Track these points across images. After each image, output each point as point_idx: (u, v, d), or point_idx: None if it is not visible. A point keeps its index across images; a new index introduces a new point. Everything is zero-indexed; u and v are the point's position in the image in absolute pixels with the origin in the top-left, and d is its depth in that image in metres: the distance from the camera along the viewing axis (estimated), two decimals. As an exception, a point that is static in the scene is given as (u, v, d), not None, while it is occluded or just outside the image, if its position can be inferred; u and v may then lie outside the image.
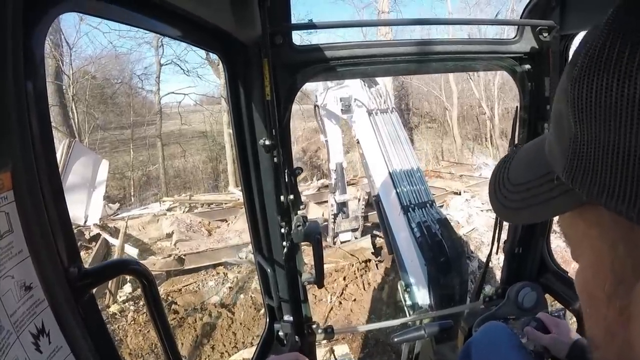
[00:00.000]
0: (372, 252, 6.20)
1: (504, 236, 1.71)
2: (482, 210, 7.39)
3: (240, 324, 5.36)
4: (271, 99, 1.15)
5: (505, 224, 1.67)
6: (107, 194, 9.83)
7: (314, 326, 1.55)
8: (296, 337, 1.46)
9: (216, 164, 18.15)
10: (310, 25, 1.20)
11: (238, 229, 7.62)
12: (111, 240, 7.05)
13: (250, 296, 5.80)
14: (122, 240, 6.79)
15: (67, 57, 13.97)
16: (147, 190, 16.04)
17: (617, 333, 0.35)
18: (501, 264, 1.86)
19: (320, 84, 4.66)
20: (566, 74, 0.34)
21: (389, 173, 3.49)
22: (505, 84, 16.91)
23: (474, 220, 7.16)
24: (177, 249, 6.78)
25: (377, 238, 6.53)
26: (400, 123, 4.17)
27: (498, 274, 4.49)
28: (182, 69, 16.39)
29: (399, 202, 3.25)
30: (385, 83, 5.42)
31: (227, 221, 8.50)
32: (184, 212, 8.95)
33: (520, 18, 1.43)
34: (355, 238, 6.43)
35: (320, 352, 4.19)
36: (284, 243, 1.33)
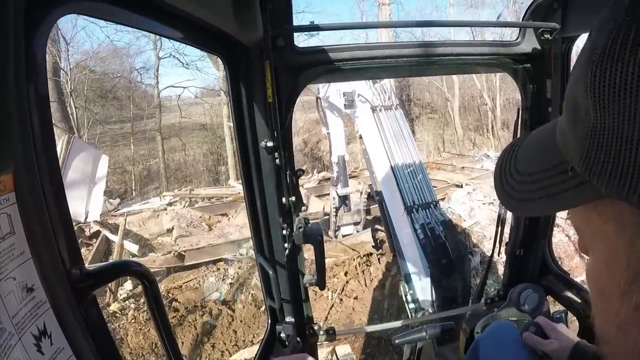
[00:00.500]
0: (372, 246, 6.21)
1: (505, 237, 1.71)
2: (484, 204, 7.39)
3: (241, 321, 5.38)
4: (273, 101, 1.15)
5: (507, 225, 1.67)
6: (108, 188, 9.83)
7: (315, 327, 1.55)
8: (298, 338, 1.47)
9: (216, 157, 18.13)
10: (312, 28, 1.19)
11: (239, 224, 7.64)
12: (111, 237, 7.05)
13: (251, 293, 5.81)
14: (121, 238, 6.78)
15: (64, 53, 13.90)
16: (148, 184, 16.06)
17: (630, 329, 0.34)
18: (503, 262, 1.86)
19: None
20: (585, 59, 0.31)
21: (393, 172, 3.47)
22: (506, 75, 16.75)
23: (476, 213, 7.16)
24: (177, 245, 6.80)
25: (378, 232, 6.53)
26: (404, 120, 4.14)
27: (501, 269, 4.50)
28: (180, 62, 16.38)
29: (402, 203, 3.25)
30: (388, 76, 5.37)
31: (227, 215, 8.52)
32: (184, 206, 8.97)
33: (522, 20, 1.43)
34: (357, 231, 6.43)
35: (322, 352, 4.22)
36: (286, 245, 1.34)
